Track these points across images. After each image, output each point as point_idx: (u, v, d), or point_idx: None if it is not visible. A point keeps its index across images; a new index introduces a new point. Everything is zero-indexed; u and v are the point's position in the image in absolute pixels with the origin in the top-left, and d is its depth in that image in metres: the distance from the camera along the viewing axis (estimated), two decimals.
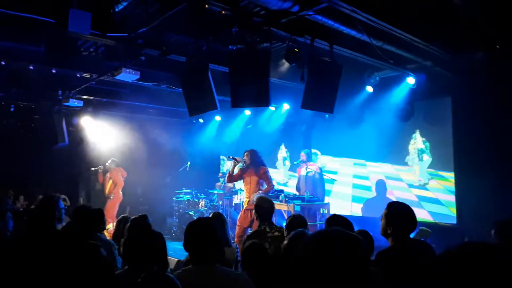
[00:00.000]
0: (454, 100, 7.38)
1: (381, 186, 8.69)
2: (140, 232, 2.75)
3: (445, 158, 7.48)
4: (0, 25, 4.97)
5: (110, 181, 9.78)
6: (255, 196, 6.20)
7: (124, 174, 9.92)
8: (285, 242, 2.79)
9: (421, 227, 5.66)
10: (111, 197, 9.65)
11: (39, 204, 4.10)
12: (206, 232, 2.42)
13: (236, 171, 7.20)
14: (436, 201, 7.64)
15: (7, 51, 6.18)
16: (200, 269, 2.31)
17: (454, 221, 7.27)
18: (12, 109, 9.56)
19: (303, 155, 8.46)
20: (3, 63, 6.54)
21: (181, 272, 2.33)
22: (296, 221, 3.70)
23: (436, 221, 7.45)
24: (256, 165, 6.97)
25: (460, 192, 7.22)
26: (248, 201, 6.84)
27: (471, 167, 6.86)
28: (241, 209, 7.15)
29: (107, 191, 9.76)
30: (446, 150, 7.44)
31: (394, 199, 7.71)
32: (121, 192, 9.80)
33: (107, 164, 9.93)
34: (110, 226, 8.07)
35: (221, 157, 12.03)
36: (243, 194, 7.65)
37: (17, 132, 11.94)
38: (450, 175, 7.43)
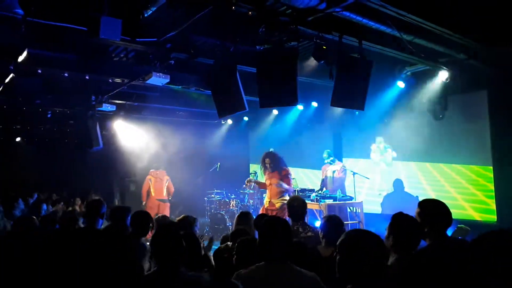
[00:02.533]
0: (490, 94, 7.11)
1: (398, 182, 8.62)
2: (165, 230, 2.76)
3: (482, 153, 7.22)
4: (35, 34, 5.16)
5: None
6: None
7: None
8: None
9: (459, 225, 5.47)
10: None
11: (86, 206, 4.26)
12: (284, 229, 2.43)
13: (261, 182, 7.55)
14: (474, 198, 7.40)
15: (42, 60, 6.41)
16: (275, 266, 2.31)
17: (495, 219, 7.01)
18: (49, 115, 9.90)
19: (325, 155, 8.48)
20: (39, 71, 6.79)
21: (255, 268, 2.33)
22: (332, 222, 3.54)
23: (476, 219, 7.21)
24: (278, 168, 7.00)
25: (500, 187, 6.95)
26: (269, 201, 6.95)
27: (510, 162, 6.59)
28: (261, 208, 7.26)
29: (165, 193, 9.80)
30: (483, 144, 7.18)
31: (429, 196, 7.50)
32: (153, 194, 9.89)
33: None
34: None
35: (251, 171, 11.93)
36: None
37: (54, 137, 12.40)
38: (488, 170, 7.16)
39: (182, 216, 4.14)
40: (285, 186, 6.91)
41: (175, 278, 2.44)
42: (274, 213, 6.81)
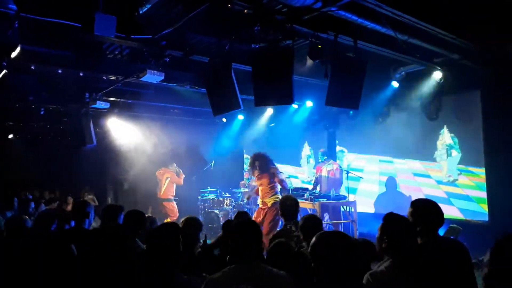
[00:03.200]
0: (483, 94, 7.15)
1: (391, 181, 8.61)
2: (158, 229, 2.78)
3: (475, 153, 7.27)
4: (29, 30, 5.11)
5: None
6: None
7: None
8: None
9: (451, 225, 5.52)
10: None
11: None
12: (254, 231, 2.49)
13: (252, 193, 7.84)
14: (466, 198, 7.44)
15: (36, 56, 6.35)
16: (245, 267, 2.36)
17: (486, 218, 7.07)
18: (42, 112, 9.81)
19: (320, 154, 8.53)
20: (32, 67, 6.73)
21: (227, 270, 2.38)
22: (310, 222, 3.59)
23: (467, 219, 7.26)
24: (267, 170, 7.06)
25: (492, 188, 7.00)
26: (262, 201, 7.04)
27: (502, 162, 6.64)
28: (257, 209, 7.36)
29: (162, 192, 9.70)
30: (476, 145, 7.22)
31: (421, 196, 7.55)
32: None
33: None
34: None
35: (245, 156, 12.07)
36: None
37: (47, 134, 12.31)
38: (481, 171, 7.21)
39: (187, 216, 4.10)
40: (279, 183, 7.04)
41: (170, 280, 2.44)
42: (266, 212, 6.87)
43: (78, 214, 4.03)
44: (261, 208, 7.04)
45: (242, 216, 4.34)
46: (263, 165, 7.09)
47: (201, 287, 2.35)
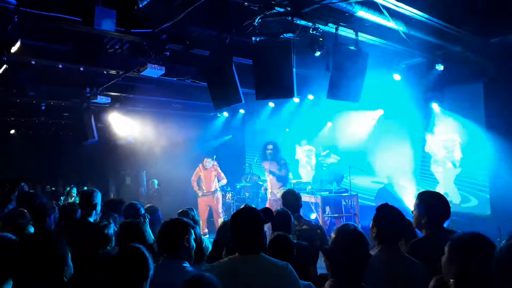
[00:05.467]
0: (486, 86, 7.12)
1: (392, 178, 8.59)
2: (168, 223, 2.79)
3: (478, 145, 7.25)
4: (29, 25, 5.09)
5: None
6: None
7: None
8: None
9: (453, 218, 5.52)
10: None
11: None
12: (255, 220, 2.43)
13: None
14: (469, 189, 7.44)
15: (36, 51, 6.35)
16: (246, 258, 2.33)
17: (488, 211, 7.06)
18: (43, 107, 9.82)
19: (320, 148, 8.56)
20: (33, 62, 6.72)
21: (227, 260, 2.36)
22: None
23: (470, 211, 7.26)
24: (278, 158, 7.11)
25: (494, 180, 6.99)
26: (271, 192, 7.05)
27: (505, 155, 6.62)
28: (267, 202, 7.36)
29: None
30: (479, 137, 7.20)
31: (423, 189, 7.54)
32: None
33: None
34: None
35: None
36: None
37: (48, 129, 12.32)
38: (483, 163, 7.20)
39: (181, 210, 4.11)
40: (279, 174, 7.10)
41: (177, 272, 2.45)
42: (277, 203, 6.86)
43: (83, 204, 3.96)
44: (270, 199, 7.11)
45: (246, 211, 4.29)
46: (276, 151, 7.17)
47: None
